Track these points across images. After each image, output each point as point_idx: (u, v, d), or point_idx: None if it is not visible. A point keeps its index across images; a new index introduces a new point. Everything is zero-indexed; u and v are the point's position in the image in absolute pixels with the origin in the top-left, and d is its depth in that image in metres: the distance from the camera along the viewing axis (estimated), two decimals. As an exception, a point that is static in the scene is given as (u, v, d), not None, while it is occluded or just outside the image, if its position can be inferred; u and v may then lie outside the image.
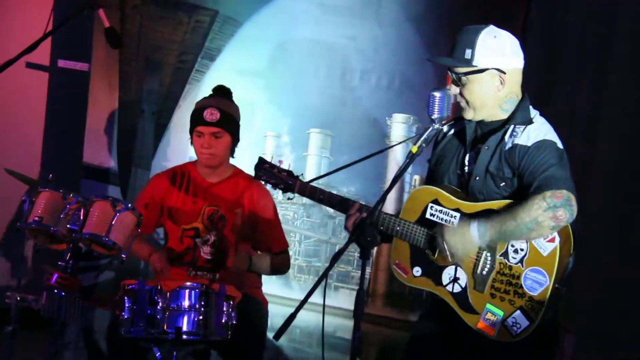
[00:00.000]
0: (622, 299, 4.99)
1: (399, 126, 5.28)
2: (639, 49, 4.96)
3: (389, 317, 5.29)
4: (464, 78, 3.60)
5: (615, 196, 5.02)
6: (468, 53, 3.58)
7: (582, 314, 4.99)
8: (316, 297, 3.42)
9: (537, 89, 5.04)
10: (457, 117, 3.58)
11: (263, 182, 3.82)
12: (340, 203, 3.75)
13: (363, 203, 3.71)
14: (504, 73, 3.62)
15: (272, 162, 3.82)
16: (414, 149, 3.45)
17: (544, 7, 5.07)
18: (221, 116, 4.55)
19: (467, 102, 3.62)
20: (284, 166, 3.85)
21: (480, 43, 3.58)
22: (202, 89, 5.64)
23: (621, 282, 5.00)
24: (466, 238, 3.50)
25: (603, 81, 5.02)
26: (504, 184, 3.58)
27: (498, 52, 3.63)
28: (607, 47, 5.01)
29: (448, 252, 3.53)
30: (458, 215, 3.57)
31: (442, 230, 3.55)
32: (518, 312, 3.48)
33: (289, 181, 3.79)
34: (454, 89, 3.62)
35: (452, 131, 3.72)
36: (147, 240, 4.79)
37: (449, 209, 3.59)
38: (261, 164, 3.82)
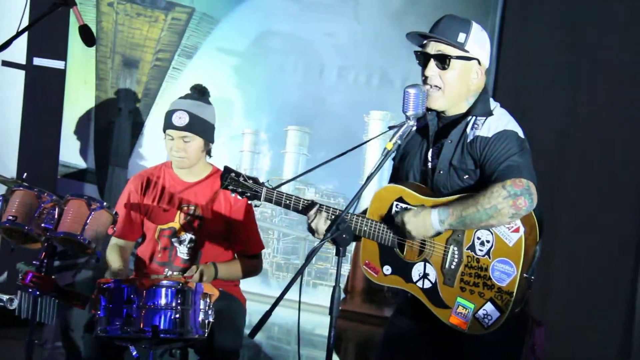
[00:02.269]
0: (594, 294, 5.03)
1: (376, 123, 5.27)
2: (615, 46, 4.99)
3: (367, 314, 5.29)
4: (452, 61, 3.60)
5: (590, 195, 5.05)
6: (462, 37, 3.60)
7: (555, 307, 5.03)
8: (294, 294, 3.42)
9: (512, 85, 5.08)
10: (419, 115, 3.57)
11: (230, 192, 3.82)
12: (306, 208, 3.75)
13: (339, 205, 3.71)
14: (481, 67, 3.66)
15: (238, 171, 3.83)
16: (389, 146, 3.47)
17: (519, 5, 5.09)
18: (190, 120, 4.54)
19: (441, 89, 3.62)
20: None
21: (474, 31, 3.62)
22: (179, 86, 5.60)
23: (593, 277, 5.04)
24: (426, 222, 3.51)
25: (580, 80, 5.05)
26: (467, 176, 3.59)
27: (482, 46, 3.68)
28: (585, 44, 5.04)
29: (405, 231, 3.54)
30: None
31: (403, 212, 3.55)
32: (488, 303, 3.50)
33: (255, 189, 3.80)
34: (431, 71, 3.61)
35: (414, 128, 3.71)
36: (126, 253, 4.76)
37: (413, 206, 3.60)
38: (226, 172, 3.83)
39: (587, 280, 5.07)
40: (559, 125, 5.11)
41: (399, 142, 3.49)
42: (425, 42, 3.67)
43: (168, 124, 4.58)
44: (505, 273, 3.47)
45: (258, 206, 3.89)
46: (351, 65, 5.39)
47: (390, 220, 3.64)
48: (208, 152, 4.71)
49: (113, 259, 4.60)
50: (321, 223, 3.66)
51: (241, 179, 3.81)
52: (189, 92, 4.71)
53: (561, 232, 5.04)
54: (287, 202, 3.77)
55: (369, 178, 3.41)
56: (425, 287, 3.60)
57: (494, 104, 3.69)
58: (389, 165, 3.84)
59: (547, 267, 5.02)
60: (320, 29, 5.43)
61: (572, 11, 5.06)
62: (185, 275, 4.39)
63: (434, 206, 3.53)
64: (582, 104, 5.05)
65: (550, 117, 5.12)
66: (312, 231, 3.72)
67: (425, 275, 3.60)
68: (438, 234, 3.55)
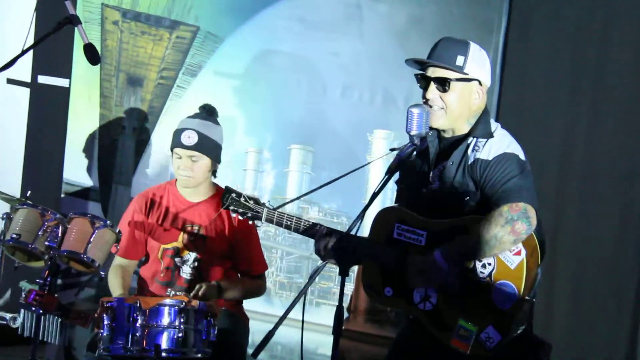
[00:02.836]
0: (598, 310, 5.02)
1: (380, 142, 5.28)
2: (618, 63, 5.00)
3: (370, 334, 5.27)
4: (452, 84, 3.61)
5: (594, 211, 5.05)
6: (460, 60, 3.61)
7: (559, 324, 5.02)
8: (297, 313, 3.41)
9: (515, 104, 5.09)
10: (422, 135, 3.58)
11: (231, 212, 3.83)
12: (307, 228, 3.75)
13: (342, 227, 3.73)
14: (482, 87, 3.66)
15: (239, 191, 3.83)
16: (393, 165, 3.46)
17: (523, 25, 5.11)
18: (199, 140, 4.52)
19: (444, 109, 3.62)
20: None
21: (472, 52, 3.63)
22: (183, 105, 5.62)
23: (597, 293, 5.03)
24: (434, 269, 3.51)
25: (584, 98, 5.06)
26: (468, 197, 3.59)
27: (482, 66, 3.68)
28: (588, 62, 5.05)
29: (421, 282, 3.54)
30: (425, 233, 3.58)
31: (411, 269, 3.55)
32: (490, 326, 3.48)
33: (256, 209, 3.80)
34: (432, 94, 3.62)
35: (416, 151, 3.71)
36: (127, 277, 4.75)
37: (415, 228, 3.60)
38: (228, 193, 3.84)
39: (591, 296, 5.06)
40: (562, 143, 5.11)
41: (403, 159, 3.49)
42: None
43: (176, 143, 4.57)
44: (507, 296, 3.46)
45: (259, 226, 3.89)
46: (355, 84, 5.41)
47: (391, 241, 3.63)
48: (213, 172, 4.70)
49: (114, 285, 4.58)
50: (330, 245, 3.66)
51: (242, 200, 3.82)
52: (198, 111, 4.70)
53: (564, 248, 5.03)
54: (288, 222, 3.77)
55: (373, 198, 3.41)
56: (426, 309, 3.59)
57: (494, 125, 3.69)
58: (392, 184, 3.84)
59: (550, 284, 5.02)
60: (324, 48, 5.45)
61: (575, 29, 5.07)
62: (191, 295, 4.38)
63: (435, 249, 3.52)
64: (585, 122, 5.06)
65: (553, 135, 5.12)
66: (319, 253, 3.71)
67: (426, 298, 3.59)
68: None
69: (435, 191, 3.66)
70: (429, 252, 3.54)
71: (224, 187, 4.53)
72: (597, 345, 5.05)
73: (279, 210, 3.79)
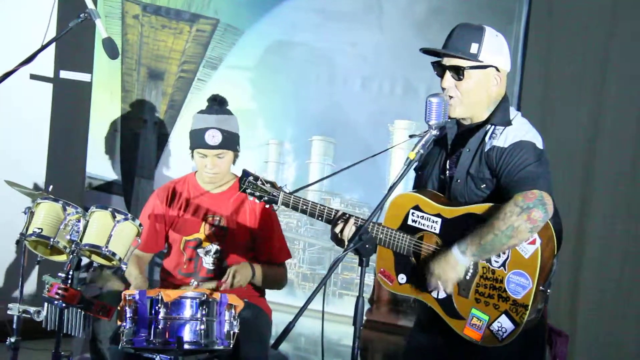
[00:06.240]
0: (624, 303, 4.97)
1: (401, 132, 5.26)
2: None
3: (393, 324, 5.26)
4: (466, 72, 3.58)
5: (620, 201, 5.00)
6: (475, 47, 3.58)
7: (584, 317, 4.98)
8: (320, 305, 3.40)
9: (537, 94, 5.05)
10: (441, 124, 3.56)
11: (248, 195, 3.82)
12: (323, 213, 3.75)
13: (353, 213, 3.71)
14: (500, 72, 3.63)
15: (256, 174, 3.82)
16: (412, 155, 3.44)
17: (544, 13, 5.06)
18: (223, 138, 4.52)
19: (459, 98, 3.60)
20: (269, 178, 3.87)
21: (487, 39, 3.59)
22: (204, 98, 5.59)
23: (623, 285, 4.98)
24: (449, 260, 3.48)
25: (606, 87, 5.01)
26: (484, 185, 3.56)
27: (498, 51, 3.64)
28: (610, 51, 5.00)
29: (442, 284, 3.51)
30: (439, 220, 3.56)
31: (429, 266, 3.52)
32: (503, 316, 3.45)
33: (272, 193, 3.79)
34: (448, 82, 3.60)
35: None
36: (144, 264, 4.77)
37: (430, 214, 3.59)
38: (245, 176, 3.84)
39: (617, 289, 5.02)
40: (585, 133, 5.07)
41: (422, 151, 3.47)
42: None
43: (200, 144, 4.54)
44: (521, 285, 3.42)
45: (275, 210, 3.88)
46: (375, 75, 5.39)
47: (406, 227, 3.62)
48: (233, 162, 4.71)
49: (131, 271, 4.60)
50: (346, 232, 3.65)
51: (259, 183, 3.82)
52: (208, 104, 4.67)
53: (590, 239, 4.99)
54: (304, 207, 3.77)
55: (392, 188, 3.39)
56: (440, 297, 3.57)
57: (514, 113, 3.66)
58: (412, 174, 3.82)
59: (575, 276, 4.98)
60: (343, 38, 5.43)
61: (597, 17, 5.02)
62: (221, 280, 4.39)
63: (452, 245, 3.48)
64: (609, 111, 5.00)
65: (576, 125, 5.08)
66: (336, 239, 3.71)
67: None
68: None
69: (452, 178, 3.65)
70: (444, 247, 3.52)
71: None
72: (624, 336, 5.01)
73: (295, 194, 3.78)
